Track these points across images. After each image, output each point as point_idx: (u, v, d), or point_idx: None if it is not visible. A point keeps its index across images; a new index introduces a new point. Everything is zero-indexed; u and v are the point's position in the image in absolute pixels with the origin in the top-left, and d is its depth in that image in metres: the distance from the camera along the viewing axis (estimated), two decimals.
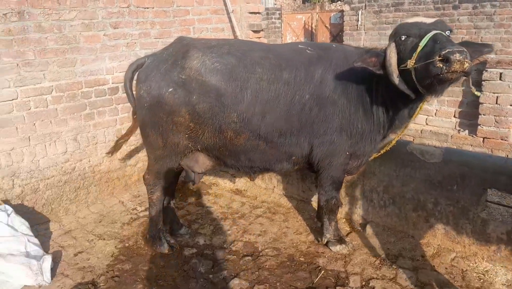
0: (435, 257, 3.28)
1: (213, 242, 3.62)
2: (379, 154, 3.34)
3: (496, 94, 5.39)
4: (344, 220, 3.92)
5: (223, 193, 4.66)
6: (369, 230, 3.69)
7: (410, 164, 3.48)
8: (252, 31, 5.78)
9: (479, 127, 5.60)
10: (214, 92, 2.89)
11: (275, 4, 22.11)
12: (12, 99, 3.65)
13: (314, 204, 4.17)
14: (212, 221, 4.01)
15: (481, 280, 3.00)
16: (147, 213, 4.15)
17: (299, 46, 3.17)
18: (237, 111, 2.91)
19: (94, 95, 4.26)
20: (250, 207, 4.29)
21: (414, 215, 3.52)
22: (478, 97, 5.39)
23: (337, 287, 2.99)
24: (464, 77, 2.45)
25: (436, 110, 6.00)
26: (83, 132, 4.21)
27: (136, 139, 4.70)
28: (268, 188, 4.57)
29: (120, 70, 4.42)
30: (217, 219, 4.04)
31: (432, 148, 3.44)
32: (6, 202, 3.55)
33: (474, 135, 5.64)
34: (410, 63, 2.47)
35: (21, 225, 3.30)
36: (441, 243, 3.40)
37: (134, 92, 3.19)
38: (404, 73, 2.58)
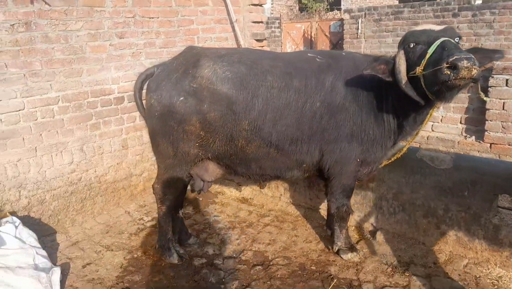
0: (448, 264, 3.25)
1: (222, 252, 3.59)
2: (390, 161, 3.33)
3: (502, 100, 5.44)
4: (354, 227, 3.89)
5: (229, 202, 4.63)
6: (379, 237, 3.66)
7: (419, 170, 3.47)
8: (255, 40, 5.81)
9: (486, 133, 5.63)
10: (226, 101, 2.89)
11: (272, 13, 22.33)
12: (19, 110, 3.63)
13: (322, 211, 4.15)
14: (220, 230, 3.98)
15: (496, 286, 2.98)
16: (154, 223, 4.12)
17: (309, 54, 3.18)
18: (248, 119, 2.91)
19: (100, 105, 4.25)
20: (257, 215, 4.26)
21: (424, 222, 3.50)
22: (484, 103, 5.42)
23: None
24: (473, 84, 2.46)
25: (442, 116, 6.03)
26: (89, 142, 4.19)
27: (141, 149, 4.69)
28: (274, 196, 4.54)
29: (126, 80, 4.43)
30: (225, 228, 4.01)
31: (442, 154, 3.44)
32: (12, 213, 3.51)
33: (481, 141, 5.66)
34: (419, 70, 2.49)
35: (29, 237, 3.26)
36: (453, 250, 3.38)
37: (143, 102, 3.19)
38: (413, 80, 2.60)
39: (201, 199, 4.70)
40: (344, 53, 3.29)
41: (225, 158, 3.11)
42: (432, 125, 6.21)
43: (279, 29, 13.62)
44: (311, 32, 13.21)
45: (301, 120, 2.94)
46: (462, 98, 5.78)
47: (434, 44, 2.44)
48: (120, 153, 4.48)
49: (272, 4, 22.95)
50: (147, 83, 3.12)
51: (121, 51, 4.35)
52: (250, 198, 4.66)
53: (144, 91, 3.18)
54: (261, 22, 5.93)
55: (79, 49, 3.99)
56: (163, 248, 3.42)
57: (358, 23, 10.30)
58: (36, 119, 3.75)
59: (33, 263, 3.06)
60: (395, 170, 3.59)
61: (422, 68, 2.47)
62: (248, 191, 4.72)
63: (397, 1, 19.27)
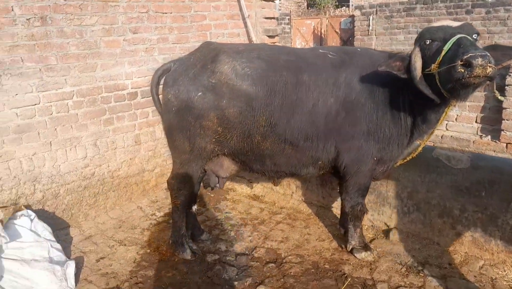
0: (463, 265, 3.22)
1: (235, 248, 3.58)
2: (406, 160, 3.30)
3: None
4: (367, 226, 3.87)
5: (241, 199, 4.62)
6: (393, 236, 3.63)
7: (435, 169, 3.44)
8: (267, 36, 5.78)
9: (502, 132, 5.54)
10: (245, 97, 2.88)
11: (280, 10, 22.24)
12: (35, 104, 3.65)
13: (335, 210, 4.13)
14: (232, 227, 3.98)
15: None
16: (166, 218, 4.13)
17: (324, 50, 3.15)
18: (266, 115, 2.90)
19: (113, 100, 4.25)
20: (269, 213, 4.25)
21: (439, 222, 3.46)
22: (501, 102, 5.34)
23: None
24: (489, 82, 2.41)
25: (457, 115, 5.95)
26: (102, 137, 4.20)
27: (154, 145, 4.70)
28: (286, 194, 4.53)
29: (139, 75, 4.43)
30: (237, 225, 4.00)
31: (459, 153, 3.40)
32: (27, 207, 3.53)
33: (497, 141, 5.58)
34: (434, 67, 2.46)
35: (44, 230, 3.28)
36: (468, 251, 3.34)
37: (160, 97, 3.18)
38: (428, 77, 2.56)
39: (212, 195, 4.70)
40: (359, 49, 3.25)
41: (241, 154, 3.10)
42: (446, 124, 6.13)
43: (289, 26, 13.55)
44: (321, 29, 13.13)
45: (316, 116, 2.92)
46: (478, 97, 5.69)
47: (450, 41, 2.40)
48: (133, 148, 4.49)
49: (280, 0, 22.85)
50: (163, 78, 3.11)
51: (135, 46, 4.34)
52: (262, 195, 4.65)
53: (160, 86, 3.17)
54: (273, 18, 5.90)
55: (94, 44, 3.99)
56: (176, 243, 3.42)
57: (369, 19, 10.21)
58: (51, 114, 3.76)
59: (48, 256, 3.09)
60: (410, 169, 3.55)
61: (437, 65, 2.43)
62: (259, 188, 4.71)
63: None
